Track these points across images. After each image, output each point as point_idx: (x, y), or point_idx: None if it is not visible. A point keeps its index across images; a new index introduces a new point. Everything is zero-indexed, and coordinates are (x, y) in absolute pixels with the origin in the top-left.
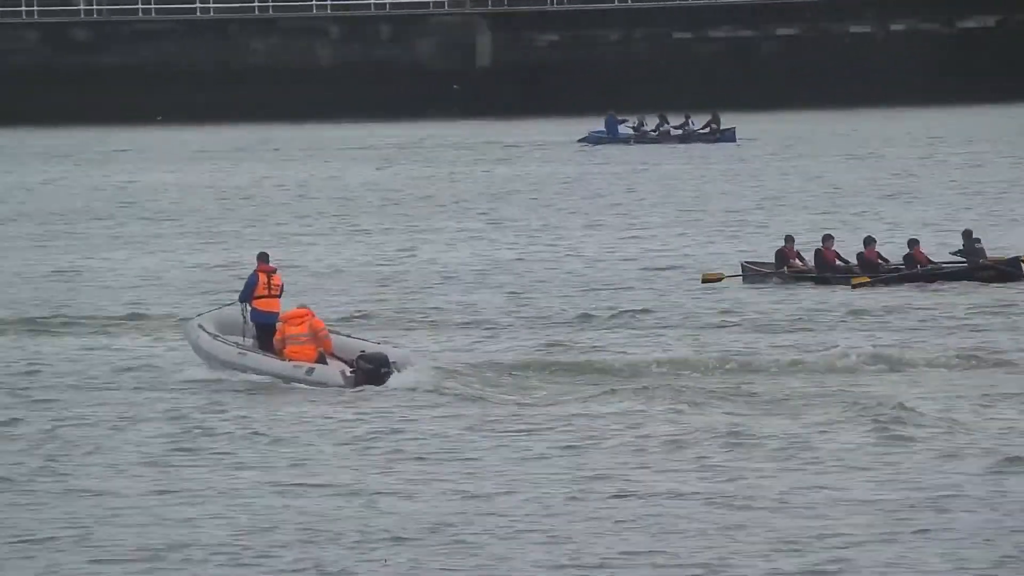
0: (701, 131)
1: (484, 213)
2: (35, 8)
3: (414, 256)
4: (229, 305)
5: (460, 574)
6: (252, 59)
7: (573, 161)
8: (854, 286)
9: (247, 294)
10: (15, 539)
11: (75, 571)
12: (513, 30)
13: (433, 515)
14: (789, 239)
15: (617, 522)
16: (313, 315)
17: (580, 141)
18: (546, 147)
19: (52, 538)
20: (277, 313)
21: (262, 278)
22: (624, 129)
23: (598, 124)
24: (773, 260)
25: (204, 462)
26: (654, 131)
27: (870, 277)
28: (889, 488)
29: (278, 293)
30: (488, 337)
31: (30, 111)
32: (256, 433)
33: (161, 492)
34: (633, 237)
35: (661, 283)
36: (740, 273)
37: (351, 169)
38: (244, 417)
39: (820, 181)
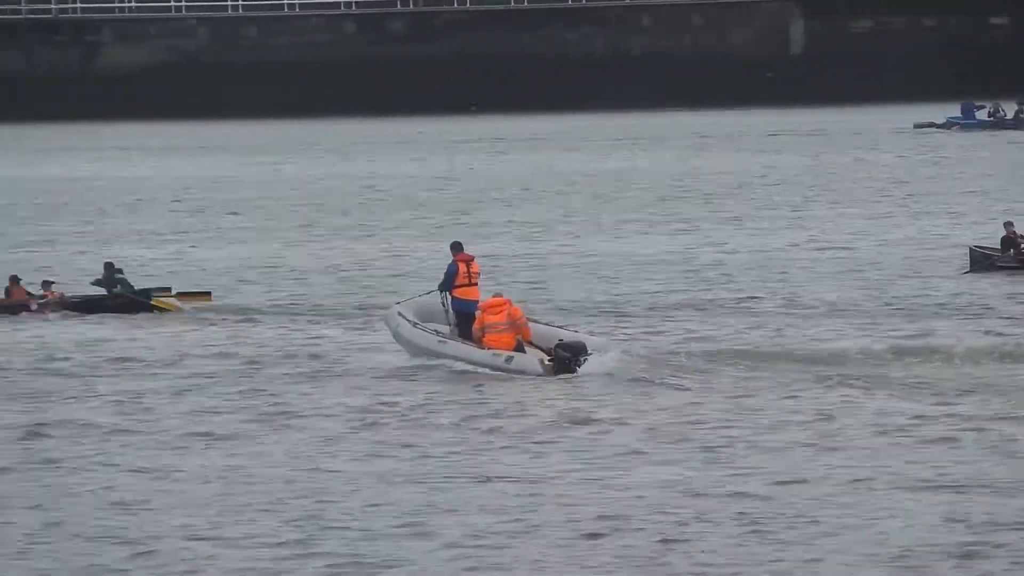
0: None
1: (800, 204)
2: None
3: (669, 246)
4: (428, 294)
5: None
6: (563, 49)
7: (903, 148)
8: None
9: (447, 283)
10: (255, 506)
11: (316, 546)
12: (827, 17)
13: (635, 504)
14: (1008, 224)
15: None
16: (511, 303)
17: (939, 126)
18: (867, 134)
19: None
20: (476, 301)
21: (462, 267)
22: (981, 115)
23: (946, 111)
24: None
25: (407, 448)
26: (1012, 118)
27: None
28: None
29: (477, 281)
30: (696, 325)
31: (349, 102)
32: (454, 421)
33: (370, 477)
34: (946, 224)
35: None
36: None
37: (660, 158)
38: (443, 405)
39: None
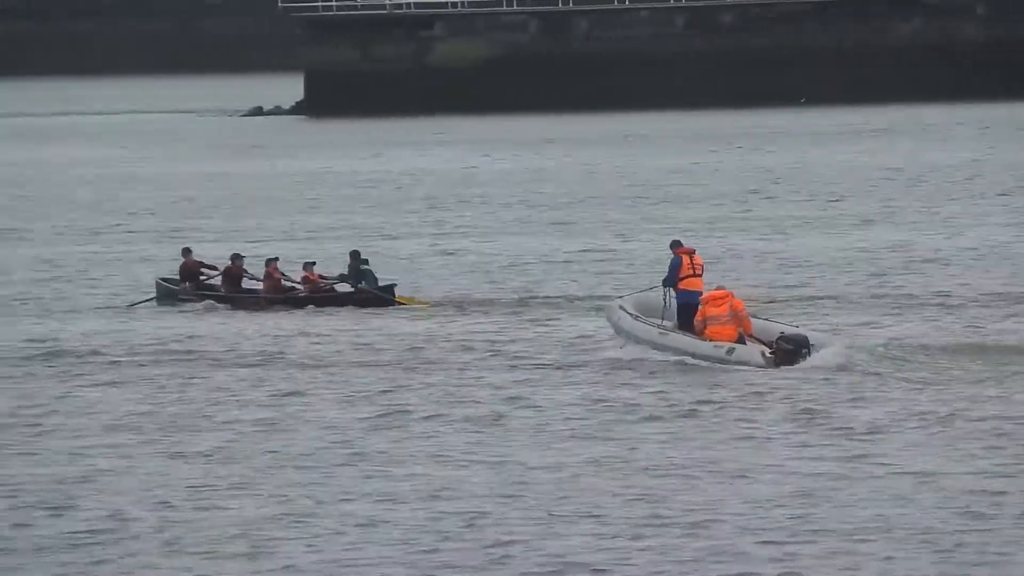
0: None
1: None
2: None
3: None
4: (651, 289)
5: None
6: (895, 39)
7: None
8: None
9: (672, 277)
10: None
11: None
12: None
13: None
14: None
15: None
16: (733, 296)
17: None
18: None
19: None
20: (700, 292)
21: (685, 259)
22: None
23: None
24: None
25: (629, 439)
26: None
27: None
28: None
29: (700, 272)
30: (919, 319)
31: (675, 95)
32: (678, 413)
33: (590, 464)
34: None
35: None
36: None
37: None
38: (669, 396)
39: None
